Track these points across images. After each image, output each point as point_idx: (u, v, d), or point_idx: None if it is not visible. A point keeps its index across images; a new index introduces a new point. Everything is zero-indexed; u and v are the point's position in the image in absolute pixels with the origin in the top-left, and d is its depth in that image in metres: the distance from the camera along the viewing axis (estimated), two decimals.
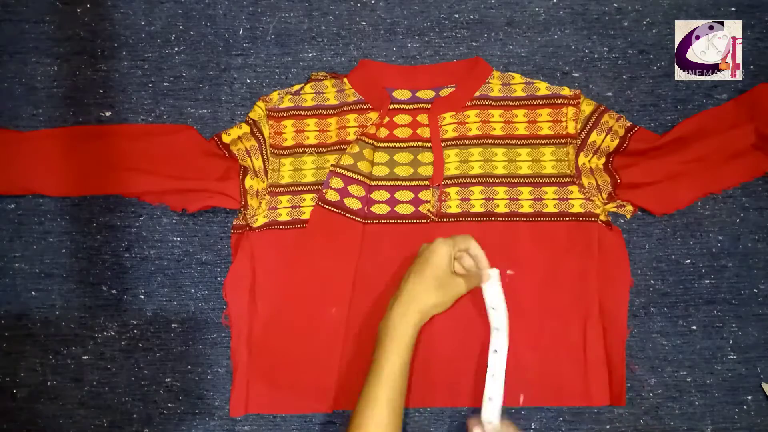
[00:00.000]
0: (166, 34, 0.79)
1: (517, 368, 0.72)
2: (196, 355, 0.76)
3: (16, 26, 0.80)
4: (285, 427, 0.74)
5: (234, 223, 0.75)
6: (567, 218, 0.74)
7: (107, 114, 0.79)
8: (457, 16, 0.79)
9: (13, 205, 0.78)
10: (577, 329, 0.73)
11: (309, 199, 0.76)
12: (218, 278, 0.76)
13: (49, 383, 0.76)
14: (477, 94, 0.77)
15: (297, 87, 0.78)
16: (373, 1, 0.79)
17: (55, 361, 0.76)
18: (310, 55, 0.79)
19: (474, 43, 0.79)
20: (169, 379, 0.75)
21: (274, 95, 0.77)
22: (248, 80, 0.79)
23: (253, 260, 0.75)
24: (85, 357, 0.76)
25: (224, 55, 0.79)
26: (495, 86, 0.77)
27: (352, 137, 0.76)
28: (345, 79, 0.78)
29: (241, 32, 0.79)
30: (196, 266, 0.77)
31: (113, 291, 0.77)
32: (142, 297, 0.77)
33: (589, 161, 0.75)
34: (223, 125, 0.78)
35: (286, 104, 0.77)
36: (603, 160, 0.75)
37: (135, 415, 0.75)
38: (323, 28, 0.79)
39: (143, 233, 0.77)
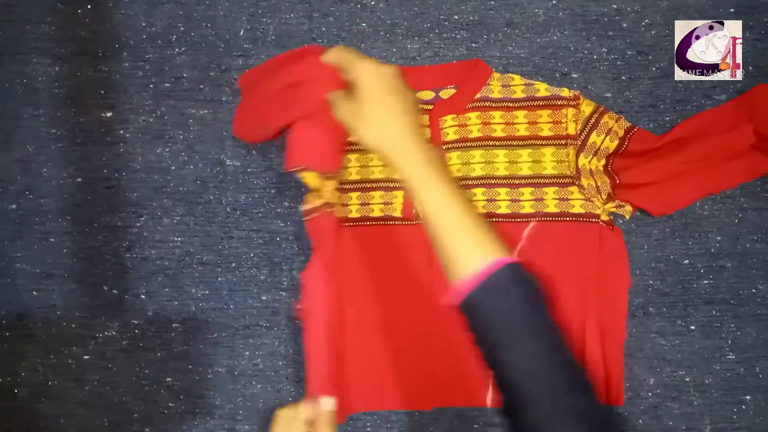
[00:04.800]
0: (167, 35, 0.80)
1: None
2: (197, 355, 0.76)
3: (17, 27, 0.80)
4: None
5: (308, 208, 0.72)
6: (567, 218, 0.75)
7: (108, 114, 0.79)
8: (456, 17, 0.79)
9: (14, 206, 0.78)
10: (576, 329, 0.73)
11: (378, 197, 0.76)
12: (219, 278, 0.77)
13: (50, 383, 0.76)
14: (477, 96, 0.77)
15: None
16: (373, 3, 0.79)
17: (56, 361, 0.76)
18: None
19: (473, 44, 0.79)
20: (169, 379, 0.76)
21: None
22: None
23: (336, 254, 0.74)
24: (86, 357, 0.76)
25: (225, 56, 0.79)
26: (495, 88, 0.77)
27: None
28: None
29: (241, 33, 0.80)
30: (197, 266, 0.77)
31: (114, 291, 0.77)
32: (143, 297, 0.77)
33: (589, 162, 0.75)
34: (224, 126, 0.78)
35: None
36: (603, 161, 0.75)
37: (136, 415, 0.75)
38: (323, 29, 0.80)
39: (144, 233, 0.77)
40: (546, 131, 0.76)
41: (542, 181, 0.75)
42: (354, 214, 0.76)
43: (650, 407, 0.74)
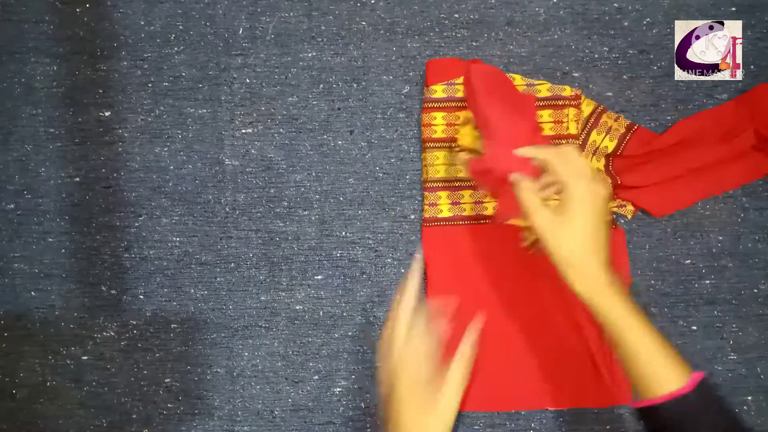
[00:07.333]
0: (166, 33, 0.79)
1: (520, 371, 0.72)
2: (196, 356, 0.76)
3: (16, 26, 0.80)
4: (285, 427, 0.74)
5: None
6: None
7: (107, 114, 0.79)
8: (457, 15, 0.79)
9: (12, 205, 0.78)
10: (576, 330, 0.73)
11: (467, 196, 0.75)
12: (217, 278, 0.76)
13: (48, 383, 0.76)
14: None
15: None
16: (372, 1, 0.79)
17: (55, 362, 0.76)
18: (309, 54, 0.79)
19: (474, 43, 0.78)
20: (168, 380, 0.75)
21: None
22: (248, 80, 0.79)
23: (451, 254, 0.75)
24: (85, 357, 0.76)
25: (224, 55, 0.79)
26: None
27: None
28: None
29: (240, 32, 0.79)
30: (196, 266, 0.77)
31: (113, 291, 0.77)
32: (142, 297, 0.76)
33: (590, 162, 0.75)
34: (223, 125, 0.78)
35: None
36: (603, 161, 0.74)
37: (134, 416, 0.75)
38: (323, 27, 0.79)
39: (143, 233, 0.77)
40: (547, 131, 0.75)
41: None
42: (445, 213, 0.75)
43: None
